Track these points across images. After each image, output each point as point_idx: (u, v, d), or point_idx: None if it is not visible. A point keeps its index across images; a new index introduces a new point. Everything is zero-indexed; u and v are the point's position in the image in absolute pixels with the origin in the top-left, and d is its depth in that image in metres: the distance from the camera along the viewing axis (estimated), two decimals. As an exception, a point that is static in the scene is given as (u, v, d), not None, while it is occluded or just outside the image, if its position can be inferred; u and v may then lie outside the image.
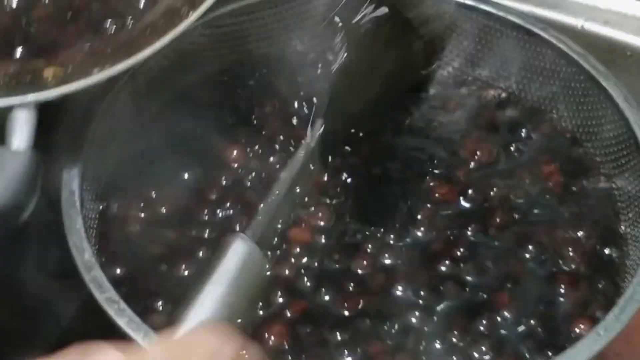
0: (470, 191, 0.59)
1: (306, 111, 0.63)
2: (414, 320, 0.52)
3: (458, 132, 0.63)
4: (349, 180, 0.60)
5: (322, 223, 0.57)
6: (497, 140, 0.62)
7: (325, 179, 0.59)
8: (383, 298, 0.54)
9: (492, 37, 0.65)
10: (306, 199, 0.58)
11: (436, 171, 0.60)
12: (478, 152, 0.61)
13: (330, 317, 0.53)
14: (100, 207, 0.57)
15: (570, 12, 0.67)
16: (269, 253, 0.51)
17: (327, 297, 0.53)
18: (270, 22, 0.67)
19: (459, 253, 0.56)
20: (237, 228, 0.56)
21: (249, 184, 0.59)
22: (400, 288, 0.54)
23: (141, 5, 0.54)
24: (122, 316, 0.48)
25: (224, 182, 0.59)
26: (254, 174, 0.60)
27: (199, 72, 0.66)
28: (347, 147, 0.61)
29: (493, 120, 0.64)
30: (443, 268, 0.55)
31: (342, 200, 0.58)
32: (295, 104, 0.64)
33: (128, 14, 0.54)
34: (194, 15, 0.53)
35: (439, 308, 0.53)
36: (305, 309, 0.53)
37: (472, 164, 0.61)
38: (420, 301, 0.53)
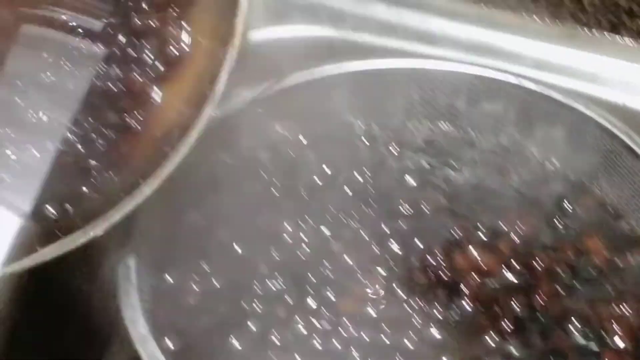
0: (513, 262, 0.59)
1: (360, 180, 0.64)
2: (462, 394, 0.53)
3: (503, 203, 0.63)
4: (398, 251, 0.60)
5: (372, 294, 0.57)
6: (540, 213, 0.63)
7: (376, 249, 0.60)
8: (431, 371, 0.54)
9: (536, 112, 0.65)
10: (357, 269, 0.58)
11: (480, 241, 0.61)
12: (520, 224, 0.61)
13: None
14: (155, 280, 0.57)
15: (611, 87, 0.68)
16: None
17: (376, 371, 0.54)
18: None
19: (504, 326, 0.56)
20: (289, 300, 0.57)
21: (300, 255, 0.59)
22: (448, 362, 0.54)
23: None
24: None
25: (274, 255, 0.59)
26: (304, 245, 0.60)
27: (245, 147, 0.65)
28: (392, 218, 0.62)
29: (537, 193, 0.64)
30: (489, 341, 0.55)
31: (391, 271, 0.59)
32: (345, 174, 0.64)
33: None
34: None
35: (486, 382, 0.53)
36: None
37: (513, 236, 0.61)
38: (468, 375, 0.53)
